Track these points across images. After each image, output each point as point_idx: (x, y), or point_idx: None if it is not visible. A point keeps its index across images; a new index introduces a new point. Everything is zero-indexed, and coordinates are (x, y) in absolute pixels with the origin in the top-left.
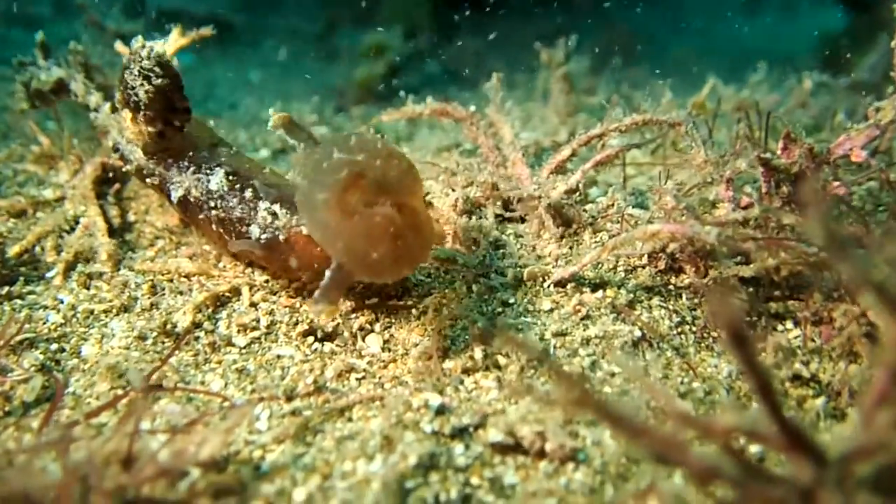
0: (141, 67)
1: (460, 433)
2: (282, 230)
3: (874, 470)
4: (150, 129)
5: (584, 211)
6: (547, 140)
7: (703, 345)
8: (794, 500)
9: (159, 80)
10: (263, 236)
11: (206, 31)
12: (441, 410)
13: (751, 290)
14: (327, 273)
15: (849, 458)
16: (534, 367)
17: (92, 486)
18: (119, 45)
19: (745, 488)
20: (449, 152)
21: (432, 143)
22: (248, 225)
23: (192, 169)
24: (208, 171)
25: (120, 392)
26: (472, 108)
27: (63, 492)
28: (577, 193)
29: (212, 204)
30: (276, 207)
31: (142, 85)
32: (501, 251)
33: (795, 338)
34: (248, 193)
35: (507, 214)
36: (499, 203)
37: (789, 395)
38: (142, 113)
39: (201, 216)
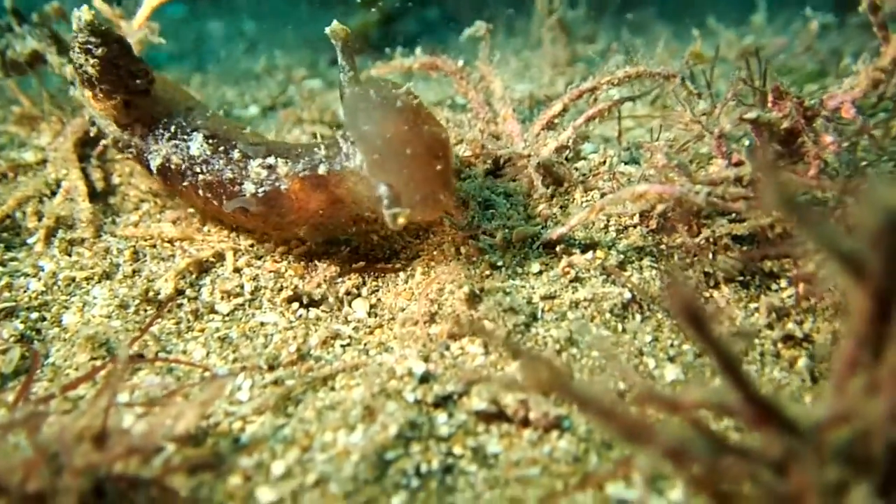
0: (80, 43)
1: (444, 401)
2: (283, 179)
3: (847, 439)
4: (112, 102)
5: (576, 169)
6: (542, 92)
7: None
8: (766, 473)
9: (100, 50)
10: (261, 190)
11: None
12: (425, 378)
13: (745, 248)
14: (383, 192)
15: (821, 427)
16: (521, 331)
17: (63, 465)
18: (98, 2)
19: (715, 464)
20: (439, 107)
21: (427, 97)
22: (240, 184)
23: (167, 136)
24: (185, 137)
25: (99, 363)
26: (462, 61)
27: (31, 471)
28: (569, 150)
29: (196, 169)
30: (271, 160)
31: (87, 60)
32: (491, 211)
33: (789, 297)
34: (235, 154)
35: (498, 173)
36: (489, 161)
37: (781, 356)
38: (97, 88)
39: (185, 183)
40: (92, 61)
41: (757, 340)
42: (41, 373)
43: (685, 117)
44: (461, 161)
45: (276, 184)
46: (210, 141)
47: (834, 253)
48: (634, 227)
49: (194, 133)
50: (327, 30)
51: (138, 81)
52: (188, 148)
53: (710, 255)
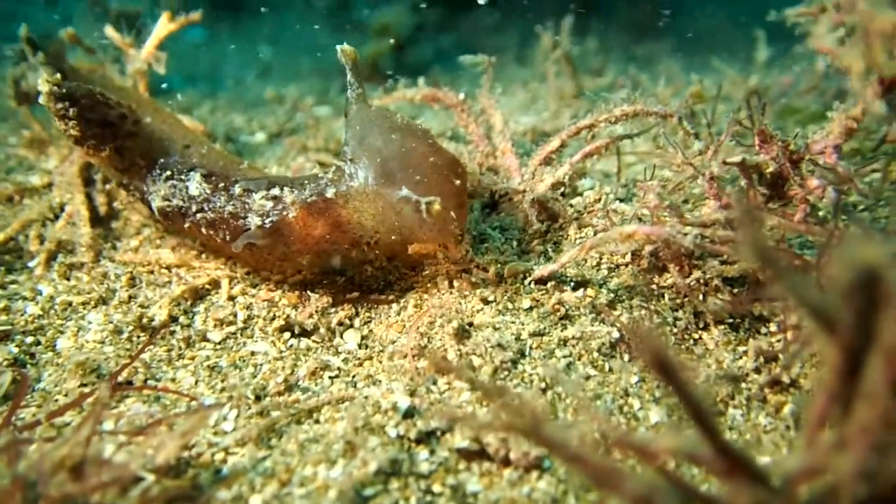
0: (53, 111)
1: (427, 437)
2: (290, 207)
3: (816, 493)
4: (104, 153)
5: (571, 205)
6: (548, 125)
7: (683, 347)
8: None
9: (73, 111)
10: (268, 221)
11: (195, 15)
12: (410, 413)
13: (735, 290)
14: (406, 193)
15: (790, 481)
16: (507, 368)
17: (40, 494)
18: (110, 31)
19: None
20: (441, 138)
21: (434, 126)
22: (243, 218)
23: (164, 176)
24: (183, 178)
25: (88, 389)
26: (463, 94)
27: (6, 501)
28: (565, 186)
29: (194, 209)
30: (276, 191)
31: (67, 124)
32: (485, 245)
33: (778, 341)
34: (237, 189)
35: (494, 207)
36: (485, 195)
37: (768, 401)
38: (86, 146)
39: (186, 224)
40: (70, 124)
41: (744, 384)
42: (30, 398)
43: (677, 158)
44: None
45: (284, 213)
46: (209, 179)
47: (807, 307)
48: (626, 265)
49: (191, 172)
50: (338, 48)
51: (121, 127)
52: (186, 188)
53: (701, 297)
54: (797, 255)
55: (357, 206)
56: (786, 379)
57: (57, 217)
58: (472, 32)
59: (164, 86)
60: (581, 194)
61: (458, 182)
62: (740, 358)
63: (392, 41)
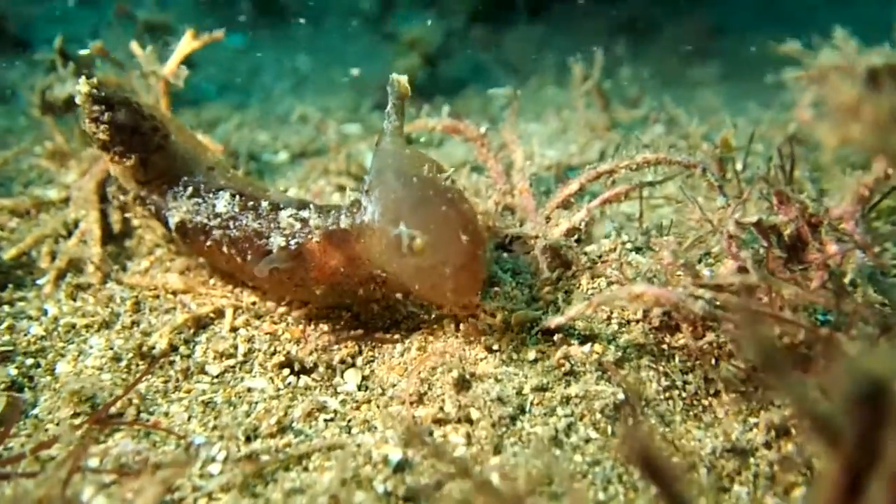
0: (87, 113)
1: (415, 496)
2: (315, 232)
3: None
4: (128, 163)
5: (585, 253)
6: (575, 159)
7: (690, 413)
8: None
9: (107, 116)
10: (293, 242)
11: (219, 33)
12: (401, 466)
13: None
14: (402, 230)
15: None
16: (506, 424)
17: None
18: (135, 47)
19: None
20: (464, 168)
21: (460, 154)
22: (267, 237)
23: (188, 194)
24: (210, 196)
25: (80, 420)
26: (484, 128)
27: None
28: (581, 232)
29: (221, 225)
30: (305, 213)
31: (97, 128)
32: (495, 289)
33: (792, 416)
34: (264, 205)
35: (508, 247)
36: (500, 235)
37: (777, 480)
38: (112, 152)
39: (208, 242)
40: (101, 128)
41: (752, 459)
42: (22, 425)
43: (695, 213)
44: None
45: (309, 236)
46: (238, 198)
47: (807, 416)
48: (637, 322)
49: (220, 192)
50: (393, 77)
51: (152, 139)
52: (214, 206)
53: (713, 361)
54: (804, 355)
55: (366, 243)
56: (798, 458)
57: (70, 234)
58: (513, 49)
59: (193, 96)
60: (597, 242)
61: (469, 244)
62: (750, 430)
63: (419, 57)
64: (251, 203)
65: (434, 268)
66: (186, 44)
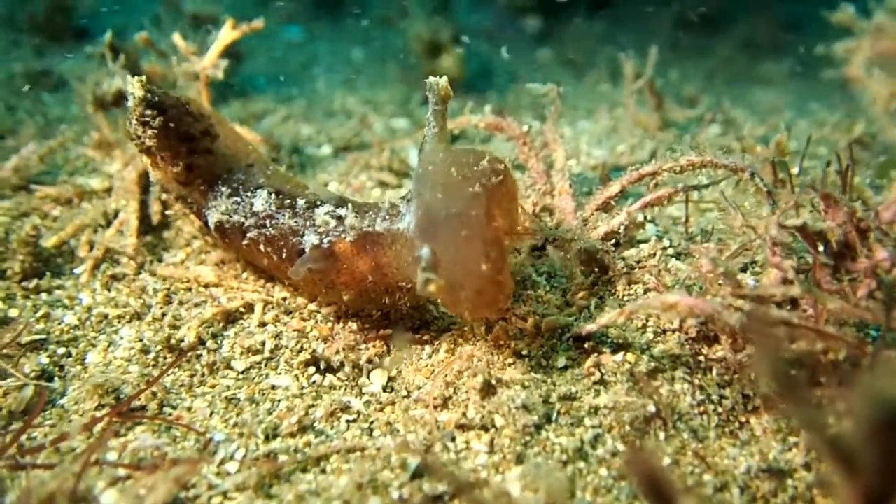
0: (136, 117)
1: (431, 503)
2: (349, 231)
3: None
4: (174, 168)
5: (623, 258)
6: (624, 158)
7: (725, 430)
8: None
9: (158, 121)
10: (326, 240)
11: (258, 23)
12: (419, 473)
13: (794, 371)
14: (424, 253)
15: None
16: (530, 433)
17: None
18: (177, 39)
19: None
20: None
21: (505, 151)
22: (301, 235)
23: (227, 192)
24: (249, 195)
25: (103, 413)
26: (527, 126)
27: None
28: (621, 235)
29: (258, 224)
30: (342, 210)
31: (144, 132)
32: (528, 292)
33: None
34: (301, 202)
35: (545, 248)
36: (537, 237)
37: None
38: (158, 156)
39: (245, 241)
40: (149, 132)
41: (790, 481)
42: (48, 414)
43: (737, 220)
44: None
45: (343, 235)
46: (277, 196)
47: (821, 440)
48: (673, 331)
49: (259, 190)
50: (429, 80)
51: (201, 143)
52: (251, 204)
53: (752, 376)
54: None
55: (398, 251)
56: (837, 480)
57: (110, 223)
58: (572, 44)
59: (243, 88)
60: (637, 245)
61: (489, 269)
62: (789, 450)
63: (455, 59)
64: (288, 201)
65: (453, 288)
66: (226, 34)
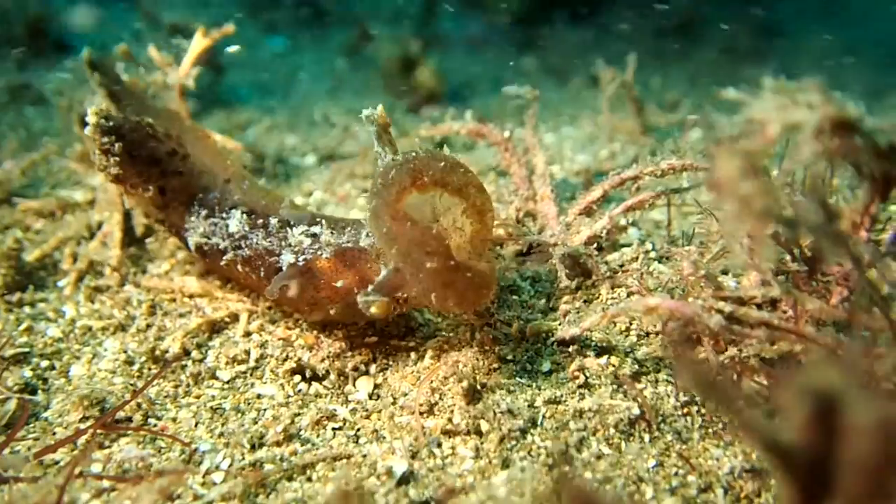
0: (98, 146)
1: None
2: (325, 248)
3: None
4: (146, 193)
5: (606, 262)
6: (607, 164)
7: (709, 431)
8: None
9: (118, 147)
10: (301, 258)
11: (229, 28)
12: (405, 479)
13: (774, 373)
14: (383, 270)
15: None
16: (516, 437)
17: None
18: (153, 51)
19: None
20: (493, 172)
21: (487, 158)
22: (278, 254)
23: (204, 213)
24: (224, 215)
25: (87, 425)
26: (507, 132)
27: None
28: (603, 240)
29: (232, 246)
30: (317, 228)
31: (108, 160)
32: (514, 297)
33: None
34: (273, 221)
35: (529, 253)
36: (520, 242)
37: None
38: (128, 183)
39: (223, 262)
40: (112, 160)
41: (773, 481)
42: (32, 427)
43: (713, 225)
44: (493, 240)
45: (318, 252)
46: (249, 216)
47: (757, 442)
48: (657, 334)
49: (233, 210)
50: (364, 114)
51: (169, 164)
52: (227, 226)
53: (735, 377)
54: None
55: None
56: None
57: (93, 236)
58: (557, 51)
59: (228, 98)
60: (620, 249)
61: (438, 264)
62: None
63: (432, 68)
64: (260, 221)
65: (424, 293)
66: (198, 43)
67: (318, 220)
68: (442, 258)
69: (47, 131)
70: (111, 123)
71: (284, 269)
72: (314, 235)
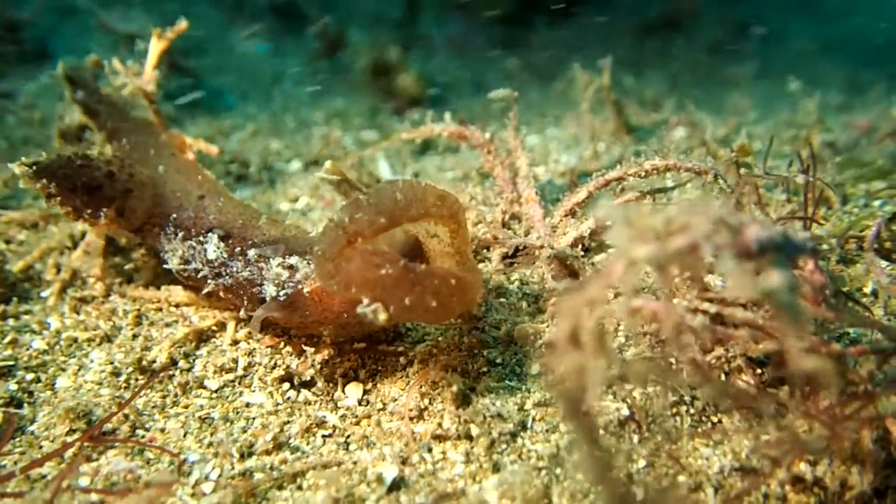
0: (41, 192)
1: None
2: (304, 282)
3: None
4: (103, 220)
5: (593, 263)
6: (592, 164)
7: (698, 430)
8: None
9: (54, 187)
10: (282, 293)
11: (181, 25)
12: (396, 485)
13: (761, 372)
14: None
15: None
16: (506, 440)
17: None
18: (116, 63)
19: None
20: (465, 182)
21: (470, 160)
22: (260, 285)
23: (181, 235)
24: (201, 239)
25: (73, 438)
26: (489, 133)
27: None
28: (588, 240)
29: (209, 272)
30: (292, 259)
31: (54, 202)
32: (501, 300)
33: (805, 432)
34: (252, 254)
35: (515, 256)
36: (506, 245)
37: (788, 500)
38: (83, 218)
39: (206, 288)
40: (54, 201)
41: (762, 479)
42: (18, 441)
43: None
44: (479, 242)
45: (299, 286)
46: (226, 241)
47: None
48: (645, 334)
49: (209, 234)
50: (317, 175)
51: (111, 189)
52: (205, 251)
53: (722, 376)
54: None
55: None
56: (809, 476)
57: (77, 246)
58: (540, 52)
59: (212, 104)
60: (606, 250)
61: (394, 272)
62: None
63: (412, 73)
64: (238, 248)
65: (404, 307)
66: (155, 46)
67: (291, 249)
68: (394, 265)
69: (29, 140)
70: (37, 167)
71: (268, 300)
72: (290, 267)
